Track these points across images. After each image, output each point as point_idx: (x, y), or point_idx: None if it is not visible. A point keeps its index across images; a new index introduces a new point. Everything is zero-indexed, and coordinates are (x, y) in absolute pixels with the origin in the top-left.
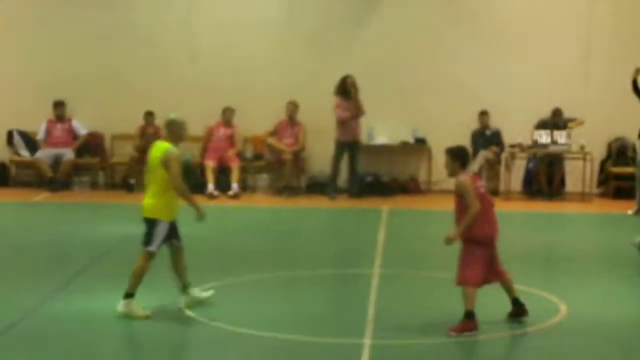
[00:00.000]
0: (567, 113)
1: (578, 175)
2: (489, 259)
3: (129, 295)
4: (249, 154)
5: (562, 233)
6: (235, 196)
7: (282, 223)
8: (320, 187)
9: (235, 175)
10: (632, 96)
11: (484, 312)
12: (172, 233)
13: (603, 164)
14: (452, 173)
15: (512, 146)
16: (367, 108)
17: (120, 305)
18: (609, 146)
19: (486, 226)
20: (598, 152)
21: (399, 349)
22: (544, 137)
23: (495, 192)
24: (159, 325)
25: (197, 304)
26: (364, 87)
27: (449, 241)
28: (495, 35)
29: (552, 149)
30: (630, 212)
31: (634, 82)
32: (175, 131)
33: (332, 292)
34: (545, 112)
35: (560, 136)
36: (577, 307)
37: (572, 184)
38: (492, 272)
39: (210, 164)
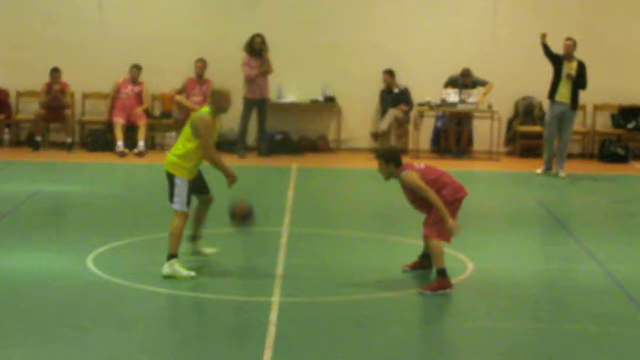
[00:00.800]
0: (475, 72)
1: (486, 133)
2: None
3: (172, 256)
4: (157, 111)
5: (470, 191)
6: (141, 154)
7: None
8: (229, 145)
9: (142, 133)
10: (540, 56)
11: (391, 269)
12: (199, 188)
13: (510, 122)
14: (389, 176)
15: (421, 105)
16: (276, 66)
17: (165, 267)
18: (516, 105)
19: (460, 187)
20: (505, 111)
21: (308, 307)
22: (452, 95)
23: (404, 151)
24: (66, 284)
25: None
26: (274, 45)
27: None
28: None
29: (461, 107)
30: (538, 171)
31: (545, 46)
32: (217, 101)
33: (241, 249)
34: (454, 71)
35: (469, 95)
36: (484, 264)
37: (480, 142)
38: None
39: (119, 121)
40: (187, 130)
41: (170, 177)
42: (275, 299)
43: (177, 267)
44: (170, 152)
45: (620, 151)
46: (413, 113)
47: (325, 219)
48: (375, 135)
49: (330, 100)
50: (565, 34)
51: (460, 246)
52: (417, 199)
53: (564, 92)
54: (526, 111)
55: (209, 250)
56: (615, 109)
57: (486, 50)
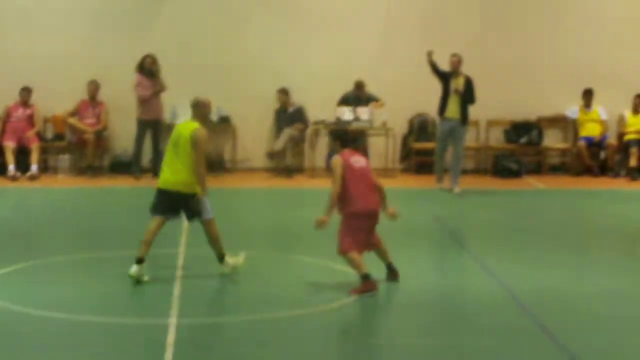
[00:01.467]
0: (371, 89)
1: (381, 151)
2: (368, 230)
3: (223, 256)
4: (49, 134)
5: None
6: (34, 177)
7: (86, 204)
8: (124, 166)
9: (34, 156)
10: (431, 74)
11: (291, 288)
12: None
13: (405, 139)
14: (334, 153)
15: (316, 123)
16: (170, 86)
17: (225, 267)
18: (411, 122)
19: (360, 201)
20: (400, 128)
21: (206, 328)
22: (346, 114)
23: (300, 170)
24: None
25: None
26: (167, 65)
27: (319, 224)
28: (299, 15)
29: (355, 125)
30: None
31: (431, 64)
32: (201, 111)
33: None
34: (347, 89)
35: (363, 113)
36: (382, 280)
37: (375, 159)
38: (370, 242)
39: (9, 145)
40: (183, 146)
41: (189, 197)
42: (173, 320)
43: (233, 262)
44: (168, 172)
45: (514, 166)
46: (308, 132)
47: (223, 240)
48: (271, 155)
49: (225, 120)
50: (458, 50)
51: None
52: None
53: (453, 108)
54: (420, 128)
55: (240, 259)
56: (508, 125)
57: (379, 67)
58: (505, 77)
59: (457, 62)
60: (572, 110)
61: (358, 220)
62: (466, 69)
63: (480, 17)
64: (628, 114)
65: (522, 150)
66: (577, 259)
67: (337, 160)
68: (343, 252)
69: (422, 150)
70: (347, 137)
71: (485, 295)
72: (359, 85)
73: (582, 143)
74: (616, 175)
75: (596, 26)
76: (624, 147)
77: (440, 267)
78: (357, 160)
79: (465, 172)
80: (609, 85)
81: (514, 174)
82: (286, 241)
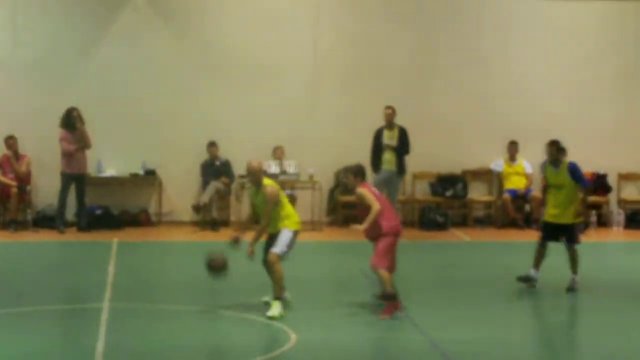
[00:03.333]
0: (297, 143)
1: (308, 204)
2: (394, 250)
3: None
4: None
5: (295, 263)
6: None
7: (8, 258)
8: (48, 220)
9: None
10: (357, 126)
11: (217, 342)
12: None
13: (331, 193)
14: (353, 187)
15: (242, 176)
16: (95, 140)
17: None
18: (337, 175)
19: (393, 222)
20: (326, 181)
21: None
22: (273, 166)
23: (226, 223)
24: None
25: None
26: (92, 119)
27: (359, 230)
28: (227, 68)
29: (282, 178)
30: None
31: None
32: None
33: (60, 327)
34: (276, 143)
35: (289, 166)
36: (308, 334)
37: (302, 212)
38: (394, 263)
39: None
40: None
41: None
42: None
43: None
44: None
45: (440, 218)
46: (234, 185)
47: (148, 293)
48: (197, 208)
49: (150, 173)
50: (384, 103)
51: (284, 316)
52: (363, 215)
53: (389, 159)
54: None
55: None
56: (434, 177)
57: (305, 120)
58: (430, 130)
59: (391, 114)
60: (497, 163)
61: (394, 239)
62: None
63: (406, 71)
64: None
65: (448, 202)
66: (502, 310)
67: (362, 189)
68: (380, 267)
69: (348, 204)
70: (364, 171)
71: (414, 349)
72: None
73: (507, 196)
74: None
75: (520, 81)
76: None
77: (368, 320)
78: (375, 190)
79: None
80: (533, 139)
81: (440, 226)
82: (212, 295)
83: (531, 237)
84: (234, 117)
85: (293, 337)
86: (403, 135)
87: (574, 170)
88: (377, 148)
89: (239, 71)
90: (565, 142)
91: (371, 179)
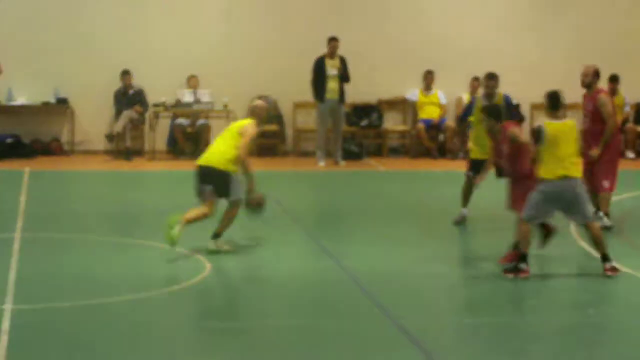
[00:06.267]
0: (212, 72)
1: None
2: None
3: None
4: None
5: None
6: None
7: None
8: None
9: None
10: (273, 55)
11: (130, 272)
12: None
13: None
14: (490, 129)
15: (156, 105)
16: (6, 68)
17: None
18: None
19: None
20: (241, 110)
21: (42, 313)
22: (187, 95)
23: (139, 152)
24: None
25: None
26: (2, 46)
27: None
28: None
29: (196, 107)
30: (322, 163)
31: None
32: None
33: None
34: (189, 72)
35: (204, 95)
36: (221, 263)
37: None
38: None
39: None
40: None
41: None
42: (8, 306)
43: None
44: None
45: (355, 148)
46: (148, 114)
47: (60, 223)
48: (110, 137)
49: (62, 102)
50: (299, 33)
51: (198, 246)
52: (511, 156)
53: (333, 88)
54: None
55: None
56: (349, 107)
57: (221, 50)
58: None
59: (336, 45)
60: (412, 93)
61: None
62: (307, 53)
63: (321, 2)
64: (466, 96)
65: (363, 132)
66: (414, 239)
67: (516, 129)
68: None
69: (264, 133)
70: (499, 112)
71: (327, 277)
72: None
73: (421, 125)
74: (454, 157)
75: (435, 10)
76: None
77: (280, 250)
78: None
79: (306, 154)
80: (448, 69)
81: (356, 156)
82: (125, 225)
83: (444, 166)
84: (148, 45)
85: (208, 265)
86: (344, 64)
87: (509, 103)
88: (320, 78)
89: None
90: (480, 73)
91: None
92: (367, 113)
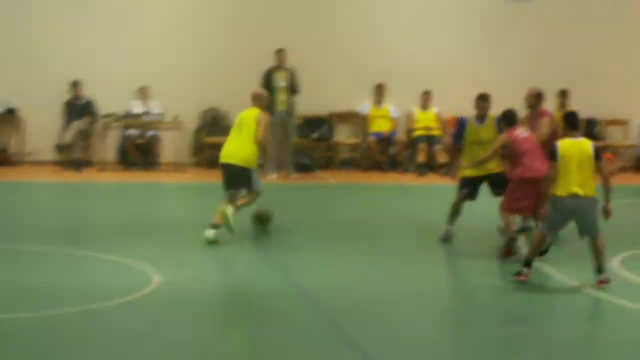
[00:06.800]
0: (163, 83)
1: (172, 145)
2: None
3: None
4: None
5: (157, 203)
6: None
7: None
8: None
9: None
10: (226, 69)
11: (78, 284)
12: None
13: (197, 133)
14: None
15: (106, 116)
16: None
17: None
18: (203, 116)
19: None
20: (192, 122)
21: None
22: (137, 106)
23: (89, 163)
24: None
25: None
26: None
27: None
28: (92, 4)
29: (146, 118)
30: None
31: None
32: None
33: None
34: (140, 83)
35: (154, 106)
36: (170, 276)
37: (166, 153)
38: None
39: None
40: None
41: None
42: None
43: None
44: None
45: (306, 161)
46: (98, 125)
47: (8, 234)
48: (60, 148)
49: (11, 111)
50: (252, 44)
51: (146, 258)
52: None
53: (282, 100)
54: (213, 122)
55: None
56: (300, 120)
57: (171, 62)
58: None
59: (283, 55)
60: (363, 106)
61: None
62: (259, 65)
63: (276, 14)
64: (416, 110)
65: (314, 145)
66: (365, 253)
67: (501, 136)
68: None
69: (214, 145)
70: (512, 117)
71: (274, 290)
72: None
73: (371, 139)
74: (405, 170)
75: (388, 24)
76: (412, 144)
77: (230, 261)
78: (521, 133)
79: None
80: (399, 83)
81: (307, 168)
82: (74, 237)
83: (395, 179)
84: (99, 56)
85: (156, 279)
86: (293, 76)
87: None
88: (269, 89)
89: (104, 9)
90: (431, 87)
91: None
92: (318, 126)
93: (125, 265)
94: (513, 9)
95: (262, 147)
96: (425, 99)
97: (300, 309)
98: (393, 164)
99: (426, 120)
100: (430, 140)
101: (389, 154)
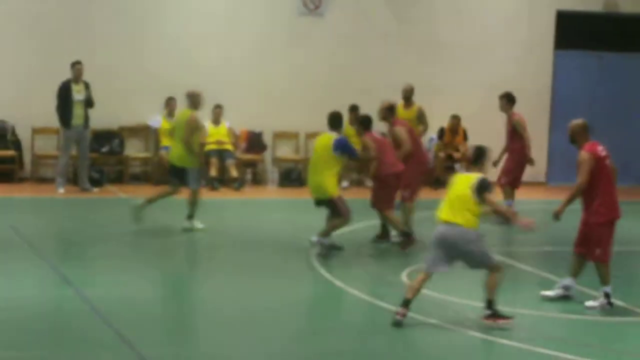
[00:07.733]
0: None
1: None
2: None
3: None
4: None
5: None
6: None
7: None
8: None
9: None
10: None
11: None
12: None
13: None
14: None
15: None
16: None
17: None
18: None
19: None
20: None
21: None
22: None
23: None
24: None
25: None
26: None
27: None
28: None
29: None
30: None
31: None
32: (193, 101)
33: None
34: None
35: None
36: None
37: None
38: None
39: None
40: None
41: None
42: None
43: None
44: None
45: (95, 175)
46: None
47: None
48: None
49: None
50: (44, 54)
51: None
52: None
53: (79, 114)
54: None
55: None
56: (90, 134)
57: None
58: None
59: (80, 70)
60: (155, 119)
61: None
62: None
63: (67, 24)
64: (208, 125)
65: (104, 159)
66: (150, 267)
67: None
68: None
69: (0, 159)
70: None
71: (65, 306)
72: None
73: (163, 152)
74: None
75: (179, 35)
76: (204, 158)
77: (16, 278)
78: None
79: (45, 180)
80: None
81: (96, 182)
82: None
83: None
84: None
85: None
86: (88, 89)
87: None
88: (67, 103)
89: None
90: (222, 101)
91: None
92: (108, 139)
93: None
94: (306, 23)
95: (187, 145)
96: (217, 114)
97: (91, 325)
98: None
99: (218, 135)
100: (221, 154)
101: None
